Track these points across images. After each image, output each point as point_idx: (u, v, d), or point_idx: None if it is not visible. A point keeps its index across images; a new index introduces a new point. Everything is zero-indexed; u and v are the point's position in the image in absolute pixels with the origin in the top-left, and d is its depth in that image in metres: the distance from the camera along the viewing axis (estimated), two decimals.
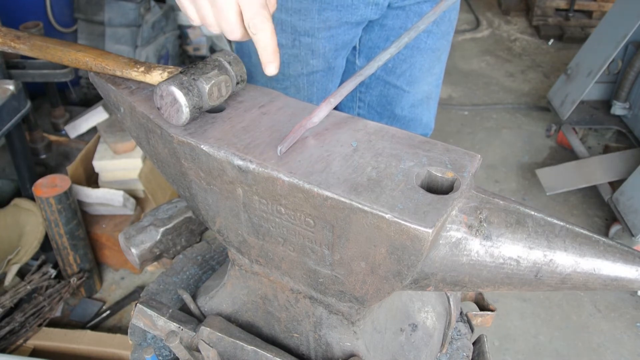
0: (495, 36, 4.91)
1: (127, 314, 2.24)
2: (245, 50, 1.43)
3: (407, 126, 1.61)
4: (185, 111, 0.80)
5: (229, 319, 1.01)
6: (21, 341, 1.96)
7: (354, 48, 1.49)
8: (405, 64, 1.47)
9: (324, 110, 0.79)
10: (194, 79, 0.82)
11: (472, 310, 1.17)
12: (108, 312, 2.23)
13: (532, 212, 0.72)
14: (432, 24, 1.41)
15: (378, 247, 0.70)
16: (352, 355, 0.88)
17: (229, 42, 1.58)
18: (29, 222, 2.23)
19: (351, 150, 0.77)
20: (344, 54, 1.45)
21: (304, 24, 1.29)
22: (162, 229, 1.17)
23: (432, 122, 1.67)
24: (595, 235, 0.70)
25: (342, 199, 0.69)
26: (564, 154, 3.33)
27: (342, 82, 1.55)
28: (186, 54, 3.80)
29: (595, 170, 2.78)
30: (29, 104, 2.09)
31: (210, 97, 0.83)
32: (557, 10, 4.92)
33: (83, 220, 2.22)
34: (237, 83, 0.89)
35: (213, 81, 0.83)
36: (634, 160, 2.74)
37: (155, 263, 1.23)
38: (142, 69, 0.91)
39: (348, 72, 1.54)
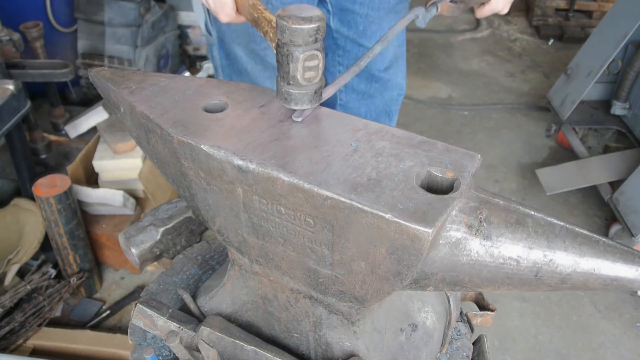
0: (495, 36, 4.90)
1: (127, 314, 2.24)
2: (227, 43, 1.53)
3: (386, 87, 1.73)
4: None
5: (229, 319, 1.01)
6: (21, 341, 1.96)
7: (327, 11, 1.57)
8: (374, 25, 1.60)
9: (327, 92, 0.84)
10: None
11: (472, 310, 1.17)
12: (108, 312, 2.23)
13: (532, 212, 0.72)
14: None
15: (378, 247, 0.70)
16: (352, 355, 0.88)
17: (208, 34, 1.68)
18: (29, 222, 2.23)
19: (351, 150, 0.77)
20: None
21: None
22: (162, 229, 1.17)
23: (404, 83, 1.81)
24: (595, 235, 0.70)
25: (342, 199, 0.69)
26: (564, 154, 3.33)
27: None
28: (186, 53, 3.80)
29: (595, 170, 2.78)
30: (29, 104, 2.08)
31: None
32: (557, 10, 4.91)
33: (83, 220, 2.22)
34: None
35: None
36: (634, 160, 2.74)
37: (155, 263, 1.23)
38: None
39: (325, 36, 1.61)
